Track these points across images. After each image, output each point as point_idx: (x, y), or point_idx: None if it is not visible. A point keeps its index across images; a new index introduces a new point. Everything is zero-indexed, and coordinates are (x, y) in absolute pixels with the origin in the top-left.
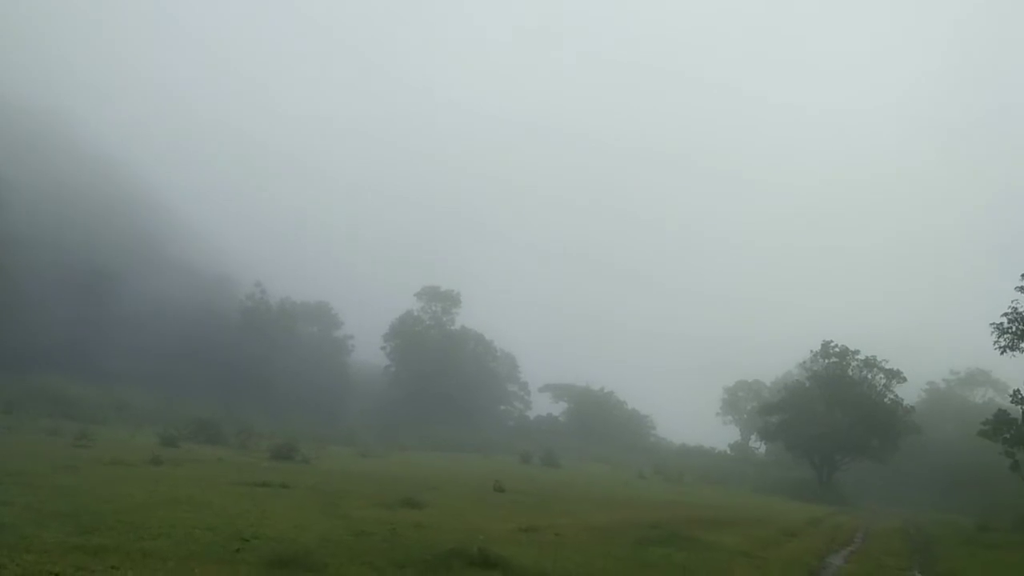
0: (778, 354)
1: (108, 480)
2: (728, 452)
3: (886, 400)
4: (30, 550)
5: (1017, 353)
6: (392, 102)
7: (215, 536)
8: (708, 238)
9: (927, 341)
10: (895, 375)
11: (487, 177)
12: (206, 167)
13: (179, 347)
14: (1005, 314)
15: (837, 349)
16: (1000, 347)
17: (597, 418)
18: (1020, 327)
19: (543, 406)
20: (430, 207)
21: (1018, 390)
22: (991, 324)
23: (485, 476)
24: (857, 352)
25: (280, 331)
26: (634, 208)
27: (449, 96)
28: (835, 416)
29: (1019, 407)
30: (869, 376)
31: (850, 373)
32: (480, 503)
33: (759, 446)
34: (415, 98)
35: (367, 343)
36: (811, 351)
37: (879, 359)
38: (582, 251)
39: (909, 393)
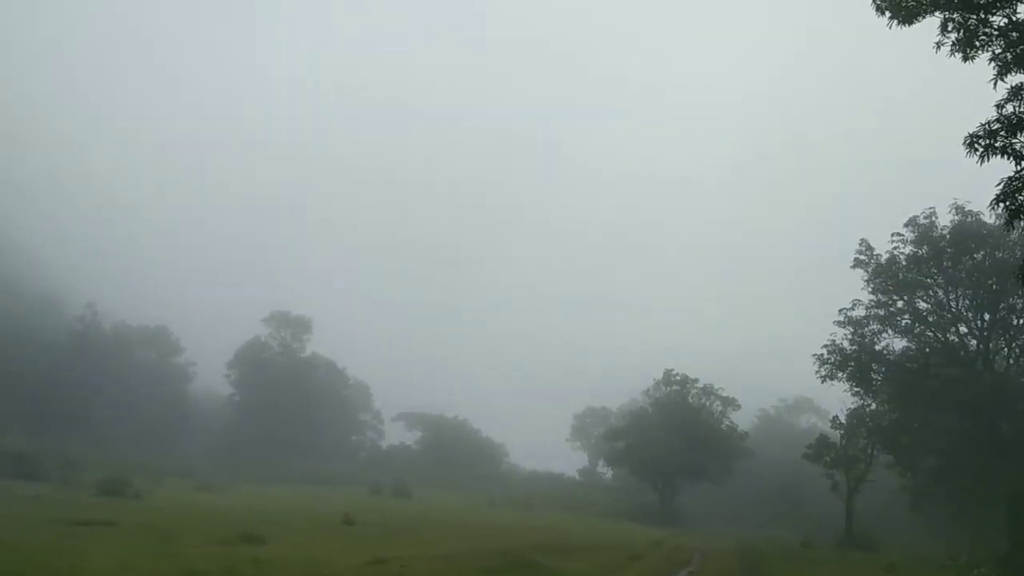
0: (625, 381)
1: None
2: (577, 477)
3: (722, 426)
4: None
5: (835, 382)
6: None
7: None
8: (560, 254)
9: (761, 367)
10: (730, 402)
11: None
12: (26, 169)
13: None
14: (824, 346)
15: (678, 377)
16: (821, 376)
17: (451, 447)
18: (837, 359)
19: (396, 435)
20: (269, 209)
21: (836, 416)
22: (813, 355)
23: (334, 509)
24: (696, 380)
25: (113, 357)
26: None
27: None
28: (675, 441)
29: (837, 432)
30: (707, 403)
31: (690, 400)
32: (326, 536)
33: (606, 471)
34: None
35: (210, 370)
36: (654, 379)
37: (716, 387)
38: (426, 268)
39: (743, 419)
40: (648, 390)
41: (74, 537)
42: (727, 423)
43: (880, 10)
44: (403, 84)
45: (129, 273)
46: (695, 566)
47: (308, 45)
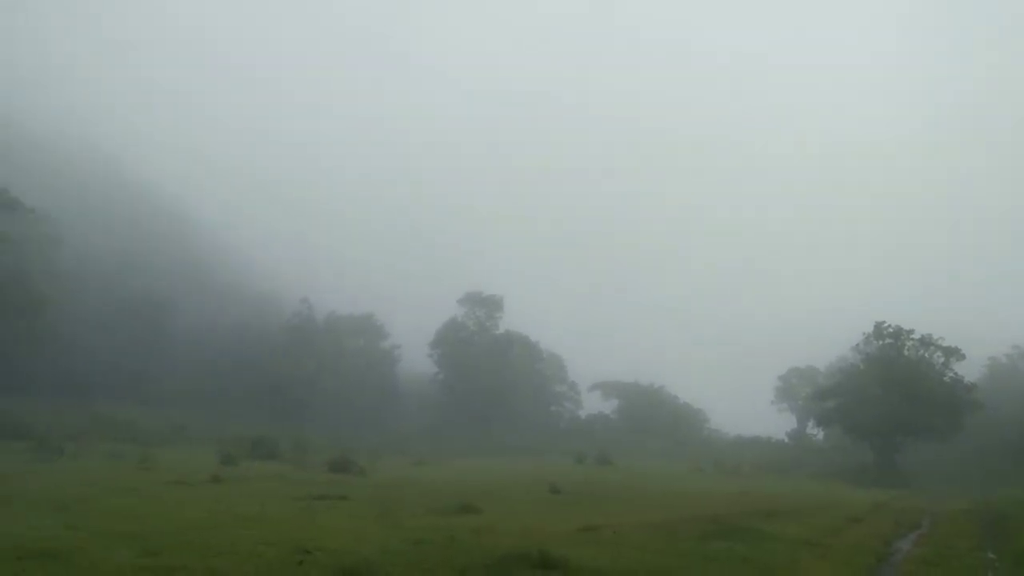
0: (831, 337)
1: (171, 501)
2: (785, 440)
3: (945, 379)
4: (102, 573)
5: None
6: (388, 93)
7: (277, 551)
8: (746, 221)
9: (983, 317)
10: (953, 352)
11: (498, 168)
12: (244, 185)
13: (230, 367)
14: None
15: (891, 330)
16: None
17: (649, 414)
18: None
19: (594, 405)
20: (452, 207)
21: None
22: None
23: (539, 478)
24: (912, 332)
25: (327, 346)
26: (664, 189)
27: (445, 77)
28: (893, 398)
29: None
30: (926, 355)
31: (906, 353)
32: (536, 505)
33: (817, 433)
34: (411, 86)
35: (414, 352)
36: (864, 333)
37: (935, 337)
38: (611, 237)
39: (969, 370)
40: (858, 345)
41: (313, 510)
42: (951, 375)
43: None
44: (574, 85)
45: (337, 269)
46: (925, 529)
47: (474, 47)
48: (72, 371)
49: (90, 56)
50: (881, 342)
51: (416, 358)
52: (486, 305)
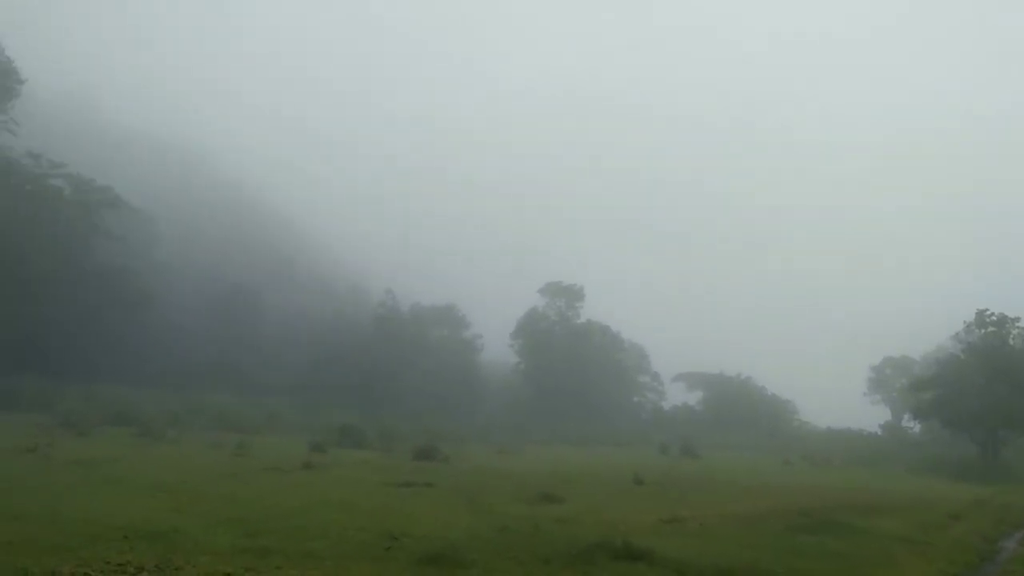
0: (927, 327)
1: (267, 486)
2: (879, 433)
3: None
4: (204, 553)
5: None
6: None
7: (367, 535)
8: (838, 211)
9: None
10: None
11: (564, 158)
12: (328, 179)
13: (319, 358)
14: None
15: (994, 318)
16: None
17: (735, 405)
18: None
19: (677, 396)
20: (525, 195)
21: None
22: None
23: (622, 469)
24: (1017, 320)
25: (412, 336)
26: (738, 181)
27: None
28: (997, 389)
29: None
30: None
31: (1011, 343)
32: (619, 496)
33: (912, 425)
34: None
35: (495, 342)
36: (964, 322)
37: None
38: (698, 227)
39: None
40: (958, 334)
41: (401, 497)
42: None
43: None
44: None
45: (420, 261)
46: None
47: (551, 43)
48: (172, 361)
49: (183, 57)
50: (984, 331)
51: (498, 348)
52: (566, 295)
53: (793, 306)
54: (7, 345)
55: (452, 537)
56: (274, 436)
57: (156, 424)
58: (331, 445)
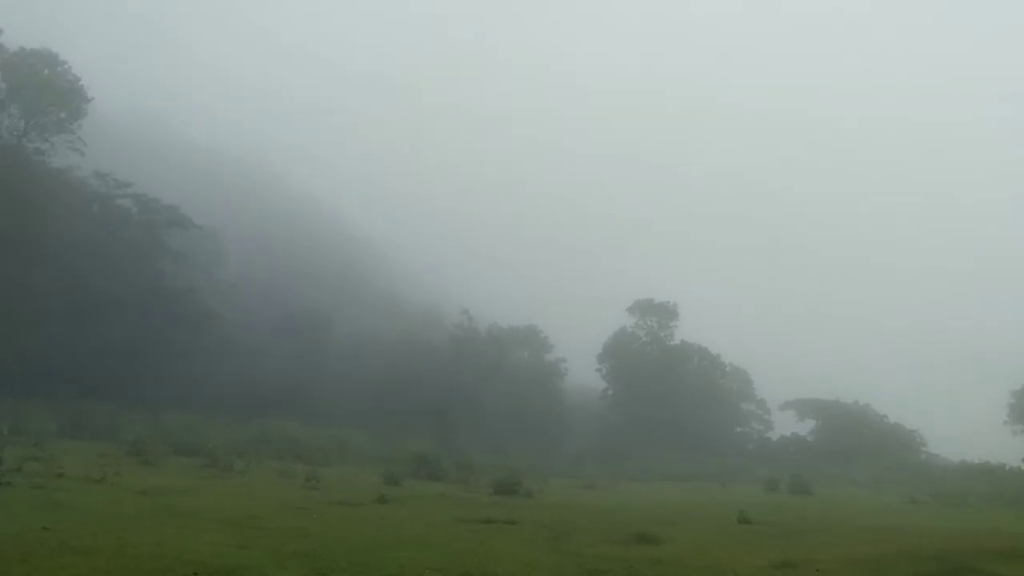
0: None
1: (338, 520)
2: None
3: None
4: None
5: None
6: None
7: (444, 575)
8: (970, 224)
9: None
10: None
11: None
12: (402, 195)
13: (392, 382)
14: None
15: None
16: None
17: (852, 436)
18: None
19: (786, 425)
20: (603, 211)
21: None
22: None
23: (725, 506)
24: None
25: (490, 359)
26: (870, 190)
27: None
28: None
29: None
30: None
31: None
32: (723, 536)
33: None
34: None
35: (580, 366)
36: None
37: None
38: (804, 244)
39: None
40: None
41: (479, 534)
42: None
43: None
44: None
45: (498, 280)
46: None
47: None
48: (238, 385)
49: (253, 72)
50: None
51: (583, 372)
52: (658, 313)
53: (914, 320)
54: (74, 370)
55: None
56: (345, 466)
57: (223, 454)
58: (405, 476)
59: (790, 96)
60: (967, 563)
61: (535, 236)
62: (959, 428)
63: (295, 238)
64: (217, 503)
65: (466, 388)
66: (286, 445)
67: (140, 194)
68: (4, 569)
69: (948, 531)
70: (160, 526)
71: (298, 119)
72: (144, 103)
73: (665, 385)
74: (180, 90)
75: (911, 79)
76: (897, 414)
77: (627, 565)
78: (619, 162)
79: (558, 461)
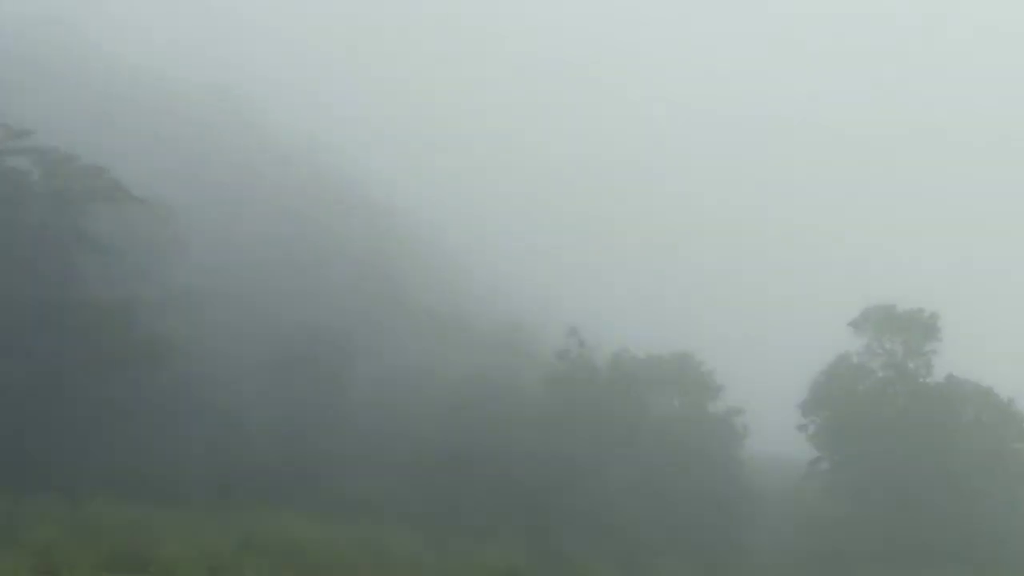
0: None
1: None
2: None
3: None
4: None
5: None
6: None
7: None
8: None
9: None
10: None
11: None
12: (466, 174)
13: (454, 447)
14: None
15: None
16: None
17: None
18: None
19: None
20: None
21: None
22: None
23: None
24: None
25: (616, 407)
26: None
27: None
28: None
29: None
30: None
31: None
32: None
33: None
34: None
35: (770, 421)
36: None
37: None
38: None
39: None
40: None
41: None
42: None
43: None
44: None
45: (624, 289)
46: None
47: None
48: (207, 458)
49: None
50: None
51: (773, 431)
52: (906, 328)
53: None
54: None
55: None
56: None
57: (187, 569)
58: None
59: None
60: None
61: (689, 218)
62: None
63: (296, 215)
64: None
65: (577, 457)
66: (284, 554)
67: (44, 147)
68: None
69: None
70: None
71: (294, 41)
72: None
73: (921, 450)
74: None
75: None
76: None
77: None
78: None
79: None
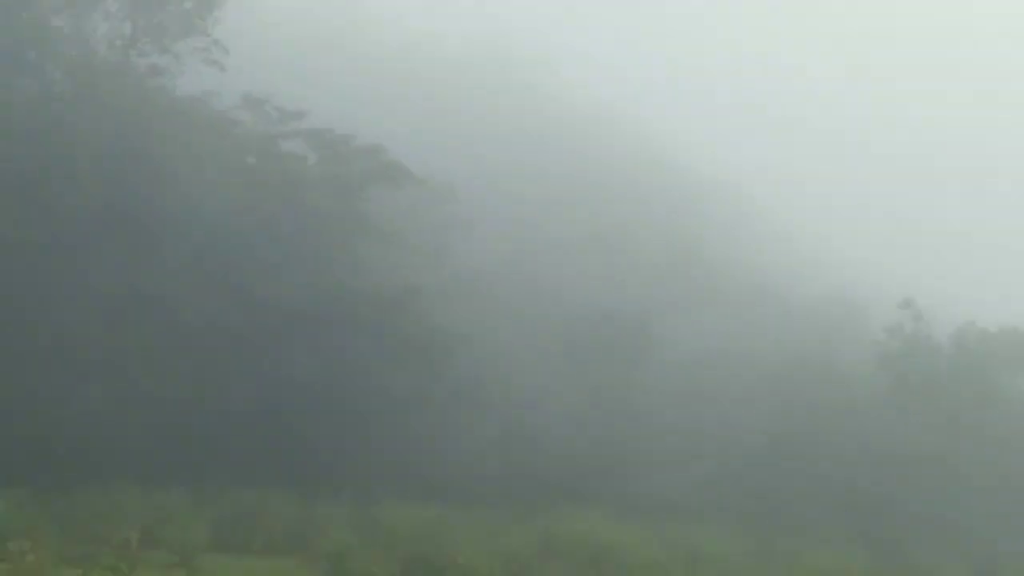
0: None
1: None
2: None
3: None
4: None
5: None
6: None
7: None
8: None
9: None
10: None
11: None
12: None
13: (774, 438)
14: None
15: None
16: None
17: None
18: None
19: None
20: None
21: None
22: None
23: None
24: None
25: (967, 389)
26: None
27: None
28: None
29: None
30: None
31: None
32: None
33: None
34: None
35: None
36: None
37: None
38: None
39: None
40: None
41: None
42: None
43: None
44: None
45: (967, 257)
46: None
47: None
48: (501, 456)
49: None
50: None
51: None
52: None
53: None
54: (226, 436)
55: None
56: None
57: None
58: None
59: None
60: None
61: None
62: None
63: (587, 188)
64: None
65: (917, 447)
66: (589, 558)
67: (320, 130)
68: None
69: None
70: None
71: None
72: None
73: None
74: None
75: None
76: None
77: None
78: None
79: None
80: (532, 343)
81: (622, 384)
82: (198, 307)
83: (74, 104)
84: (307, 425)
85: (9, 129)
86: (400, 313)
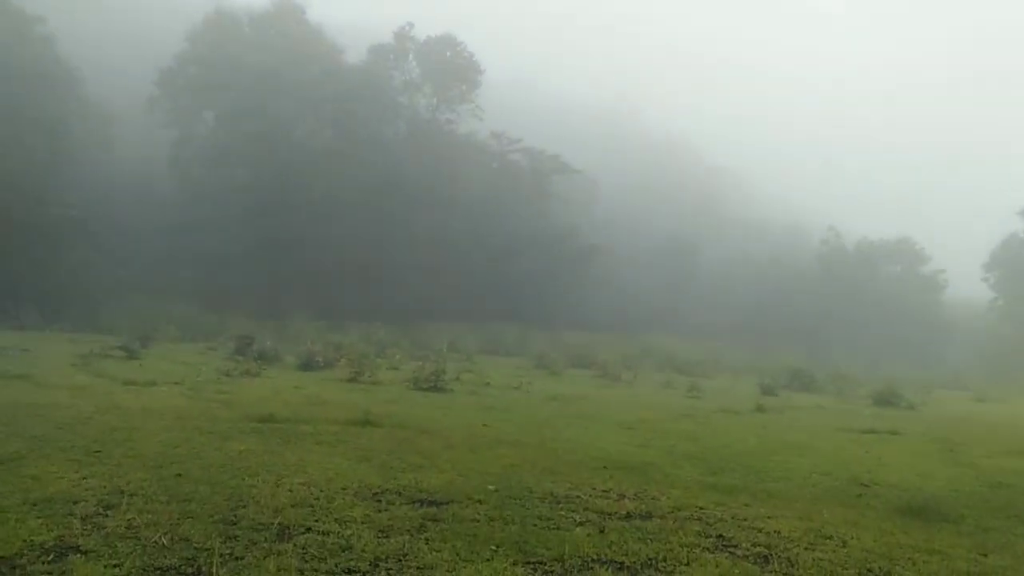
0: None
1: (722, 427)
2: None
3: None
4: (674, 486)
5: None
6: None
7: (832, 481)
8: None
9: None
10: None
11: None
12: (754, 121)
13: (760, 302)
14: None
15: None
16: None
17: None
18: None
19: None
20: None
21: None
22: None
23: None
24: None
25: (859, 274)
26: None
27: None
28: None
29: None
30: None
31: None
32: None
33: None
34: None
35: (962, 278)
36: None
37: None
38: None
39: None
40: None
41: (862, 444)
42: None
43: None
44: None
45: (865, 195)
46: None
47: None
48: (618, 308)
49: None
50: None
51: (965, 285)
52: None
53: None
54: (489, 300)
55: (930, 489)
56: (721, 378)
57: (612, 366)
58: (780, 388)
59: None
60: None
61: (904, 139)
62: None
63: (658, 174)
64: (612, 408)
65: (836, 304)
66: (665, 358)
67: (528, 147)
68: (459, 456)
69: None
70: (569, 426)
71: (655, 64)
72: (521, 68)
73: None
74: (550, 50)
75: None
76: None
77: None
78: None
79: (939, 375)
80: (634, 253)
81: (681, 274)
82: (467, 242)
83: (408, 141)
84: (524, 292)
85: (383, 158)
86: (568, 239)
